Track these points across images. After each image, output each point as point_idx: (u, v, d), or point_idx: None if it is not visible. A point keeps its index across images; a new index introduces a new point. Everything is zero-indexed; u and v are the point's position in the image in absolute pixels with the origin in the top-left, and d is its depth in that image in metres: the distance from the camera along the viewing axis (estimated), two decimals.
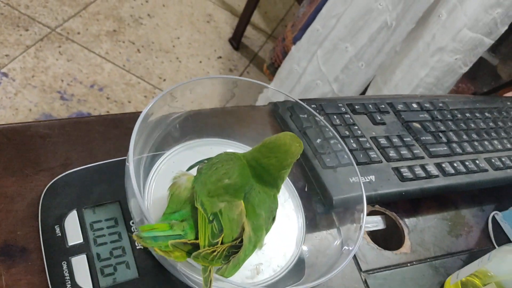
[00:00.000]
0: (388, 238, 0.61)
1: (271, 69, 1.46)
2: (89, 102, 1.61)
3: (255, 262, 0.45)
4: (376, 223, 0.63)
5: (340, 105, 0.67)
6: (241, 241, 0.37)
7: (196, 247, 0.36)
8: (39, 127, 0.51)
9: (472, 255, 0.62)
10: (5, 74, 1.53)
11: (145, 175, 0.46)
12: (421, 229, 0.62)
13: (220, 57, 1.98)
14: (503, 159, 0.70)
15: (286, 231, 0.49)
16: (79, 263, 0.42)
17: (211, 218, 0.37)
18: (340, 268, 0.42)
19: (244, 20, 1.97)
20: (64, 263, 0.41)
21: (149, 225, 0.36)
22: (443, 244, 0.62)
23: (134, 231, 0.44)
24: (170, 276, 0.43)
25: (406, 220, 0.62)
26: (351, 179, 0.57)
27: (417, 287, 0.57)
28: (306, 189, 0.54)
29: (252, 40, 2.13)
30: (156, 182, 0.46)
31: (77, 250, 0.42)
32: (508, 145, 0.73)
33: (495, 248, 0.64)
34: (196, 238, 0.37)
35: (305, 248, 0.49)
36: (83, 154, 0.50)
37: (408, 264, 0.58)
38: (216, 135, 0.53)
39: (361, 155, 0.60)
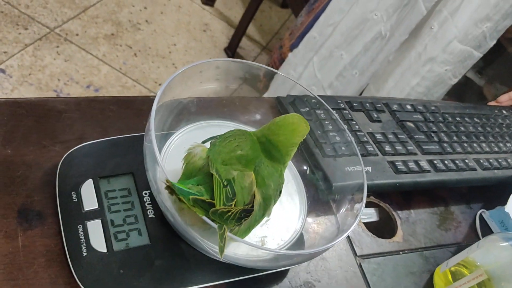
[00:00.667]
0: (381, 228, 0.64)
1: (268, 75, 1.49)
2: None
3: (261, 235, 0.47)
4: (370, 215, 0.66)
5: (339, 101, 0.70)
6: (252, 206, 0.40)
7: (212, 206, 0.38)
8: (56, 102, 0.53)
9: (460, 248, 0.65)
10: (3, 70, 1.55)
11: (158, 150, 0.48)
12: (413, 221, 0.65)
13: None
14: (490, 161, 0.73)
15: (289, 208, 0.51)
16: (94, 227, 0.44)
17: (225, 183, 0.39)
18: (337, 241, 0.44)
19: (240, 31, 2.02)
20: (80, 226, 0.43)
21: (169, 180, 0.38)
22: (433, 236, 0.65)
23: (146, 201, 0.47)
24: (180, 243, 0.45)
25: (398, 212, 0.65)
26: (349, 168, 0.60)
27: (408, 273, 0.59)
28: (308, 172, 0.57)
29: (247, 51, 2.17)
30: (169, 157, 0.49)
31: (92, 215, 0.44)
32: (496, 149, 0.77)
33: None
34: (212, 199, 0.39)
35: (305, 225, 0.51)
36: (97, 130, 0.53)
37: (400, 252, 0.61)
38: (224, 118, 0.56)
39: (359, 148, 0.63)
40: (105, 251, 0.43)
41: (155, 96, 0.59)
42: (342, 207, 0.53)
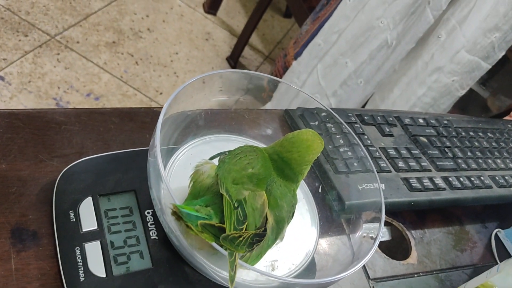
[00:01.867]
0: (394, 248, 0.61)
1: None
2: None
3: (271, 258, 0.44)
4: (383, 234, 0.63)
5: (350, 114, 0.67)
6: (265, 230, 0.37)
7: (222, 231, 0.35)
8: (55, 114, 0.50)
9: (476, 270, 0.62)
10: (2, 78, 1.52)
11: (163, 166, 0.45)
12: (427, 242, 0.62)
13: None
14: (506, 177, 0.70)
15: (300, 229, 0.48)
16: (93, 250, 0.41)
17: (236, 205, 0.36)
18: (353, 269, 0.41)
19: (242, 40, 2.00)
20: (77, 249, 0.40)
21: (179, 205, 0.35)
22: (448, 258, 0.62)
23: (149, 221, 0.44)
24: (184, 267, 0.42)
25: (412, 231, 0.62)
26: (363, 186, 0.57)
27: None
28: (320, 190, 0.54)
29: (249, 60, 2.15)
30: (174, 173, 0.46)
31: (91, 236, 0.41)
32: (511, 165, 0.74)
33: (497, 263, 0.65)
34: (221, 223, 0.36)
35: (317, 248, 0.48)
36: (98, 144, 0.50)
37: (415, 275, 0.58)
38: (231, 132, 0.53)
39: (369, 164, 0.61)
40: (104, 276, 0.40)
41: (158, 108, 0.57)
42: (356, 228, 0.50)
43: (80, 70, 1.68)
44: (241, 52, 2.04)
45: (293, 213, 0.42)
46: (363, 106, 1.23)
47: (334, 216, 0.52)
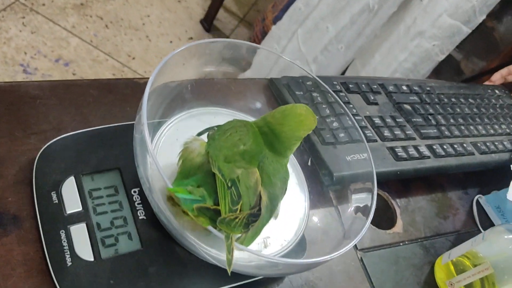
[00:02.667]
0: (380, 217, 0.61)
1: None
2: (54, 77, 1.54)
3: (263, 236, 0.43)
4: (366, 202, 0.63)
5: (335, 83, 0.66)
6: (259, 209, 0.36)
7: (217, 213, 0.34)
8: (29, 87, 0.47)
9: (459, 237, 0.63)
10: None
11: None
12: (412, 210, 0.62)
13: (191, 38, 1.94)
14: (487, 144, 0.71)
15: (291, 205, 0.47)
16: (79, 232, 0.39)
17: (229, 184, 0.35)
18: (346, 248, 0.40)
19: (216, 2, 1.94)
20: (62, 232, 0.38)
21: (173, 189, 0.34)
22: (432, 225, 0.63)
23: (136, 201, 0.42)
24: (175, 247, 0.41)
25: (397, 200, 0.62)
26: (349, 157, 0.56)
27: (409, 266, 0.57)
28: (309, 163, 0.53)
29: (223, 23, 2.09)
30: (161, 150, 0.44)
31: (76, 218, 0.39)
32: (491, 131, 0.75)
33: (479, 230, 0.66)
34: (215, 203, 0.35)
35: (308, 222, 0.48)
36: (76, 118, 0.47)
37: (401, 244, 0.58)
38: (216, 104, 0.51)
39: (356, 133, 0.60)
40: (92, 259, 0.38)
41: (139, 78, 0.54)
42: (345, 200, 0.50)
43: (47, 34, 1.61)
44: (215, 15, 1.98)
45: (286, 189, 0.41)
46: (344, 72, 1.21)
47: (324, 189, 0.52)
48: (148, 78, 0.39)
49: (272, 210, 0.37)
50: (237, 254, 0.35)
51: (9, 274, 0.37)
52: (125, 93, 0.52)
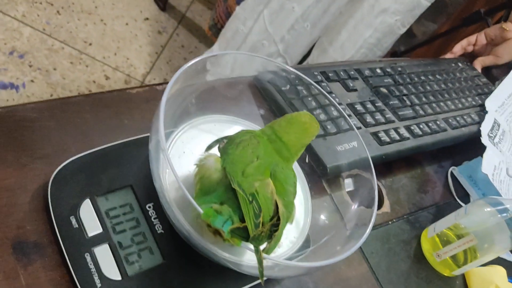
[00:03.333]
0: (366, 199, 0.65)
1: (214, 30, 1.43)
2: (10, 71, 1.48)
3: None
4: (349, 185, 0.67)
5: (316, 73, 0.68)
6: (278, 218, 0.38)
7: (245, 229, 0.36)
8: (26, 110, 0.47)
9: (438, 208, 0.68)
10: None
11: (158, 158, 0.45)
12: (396, 189, 0.67)
13: (147, 19, 1.90)
14: (457, 119, 0.76)
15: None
16: (103, 253, 0.40)
17: (250, 199, 0.37)
18: (354, 249, 0.43)
19: None
20: (87, 255, 0.40)
21: (204, 215, 0.35)
22: (414, 201, 0.67)
23: (152, 216, 0.43)
24: (196, 257, 0.43)
25: (382, 181, 0.66)
26: (339, 147, 0.59)
27: (399, 242, 0.61)
28: (307, 161, 0.55)
29: (178, 0, 2.05)
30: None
31: (98, 240, 0.41)
32: (460, 105, 0.80)
33: (456, 200, 0.71)
34: (241, 219, 0.37)
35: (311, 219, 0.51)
36: (78, 138, 0.48)
37: (390, 222, 0.63)
38: (212, 111, 0.53)
39: (343, 123, 0.63)
40: (120, 278, 0.40)
41: (130, 88, 0.55)
42: (340, 189, 0.53)
43: None
44: None
45: (296, 192, 0.43)
46: (311, 50, 1.24)
47: (321, 182, 0.55)
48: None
49: (288, 217, 0.40)
50: (248, 256, 0.38)
51: None
52: (119, 106, 0.52)
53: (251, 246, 0.35)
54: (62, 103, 0.49)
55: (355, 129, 0.53)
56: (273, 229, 0.37)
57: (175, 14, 1.99)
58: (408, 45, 1.66)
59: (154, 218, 0.43)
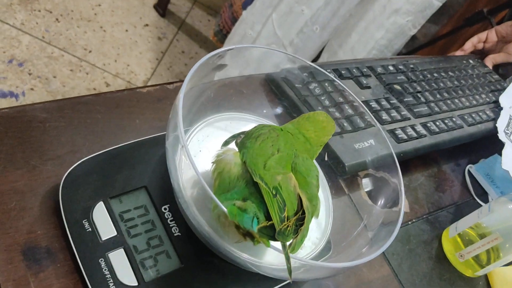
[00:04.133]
0: (384, 199, 0.63)
1: (219, 36, 1.41)
2: (10, 79, 1.46)
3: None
4: (366, 184, 0.64)
5: (329, 71, 0.66)
6: (303, 212, 0.36)
7: (271, 226, 0.34)
8: (35, 110, 0.45)
9: (457, 208, 0.66)
10: None
11: (174, 157, 0.43)
12: (414, 188, 0.65)
13: (147, 25, 1.88)
14: (473, 115, 0.74)
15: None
16: (118, 258, 0.38)
17: (274, 192, 0.35)
18: (374, 255, 0.41)
19: None
20: (101, 260, 0.37)
21: (231, 214, 0.33)
22: (433, 200, 0.65)
23: (168, 218, 0.41)
24: (214, 260, 0.41)
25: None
26: (356, 145, 0.57)
27: (420, 242, 0.59)
28: (326, 158, 0.53)
29: (177, 6, 2.04)
30: (186, 162, 0.43)
31: (112, 244, 0.39)
32: (474, 102, 0.78)
33: (474, 198, 0.69)
34: (266, 216, 0.35)
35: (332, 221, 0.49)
36: (89, 138, 0.45)
37: (409, 222, 0.61)
38: (226, 109, 0.51)
39: (358, 120, 0.61)
40: (136, 284, 0.38)
41: (141, 87, 0.53)
42: (358, 188, 0.51)
43: None
44: None
45: (319, 185, 0.41)
46: (320, 53, 1.22)
47: (340, 181, 0.53)
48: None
49: (313, 210, 0.38)
50: (269, 258, 0.36)
51: None
52: (130, 105, 0.50)
53: (279, 246, 0.33)
54: (72, 103, 0.47)
55: (378, 124, 0.52)
56: (298, 223, 0.35)
57: (174, 20, 1.98)
58: (410, 47, 1.65)
59: (171, 220, 0.41)
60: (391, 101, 0.67)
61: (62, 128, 0.45)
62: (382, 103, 0.66)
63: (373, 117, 0.63)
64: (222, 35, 1.39)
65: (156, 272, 0.39)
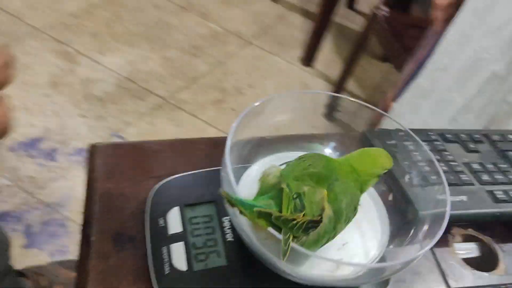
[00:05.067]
0: (481, 262, 0.59)
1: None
2: None
3: (336, 257, 0.46)
4: (470, 250, 0.61)
5: (431, 133, 0.68)
6: (321, 218, 0.39)
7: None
8: (152, 144, 0.59)
9: None
10: (121, 137, 1.72)
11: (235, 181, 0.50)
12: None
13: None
14: None
15: (369, 234, 0.50)
16: (177, 249, 0.47)
17: (294, 196, 0.40)
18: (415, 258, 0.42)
19: (340, 86, 2.05)
20: (164, 248, 0.47)
21: (228, 193, 0.40)
22: None
23: (226, 226, 0.49)
24: (256, 265, 0.46)
25: (501, 245, 0.59)
26: (438, 197, 0.57)
27: None
28: (390, 198, 0.55)
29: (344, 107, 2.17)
30: (243, 187, 0.50)
31: (176, 238, 0.48)
32: None
33: None
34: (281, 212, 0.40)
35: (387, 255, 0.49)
36: (186, 166, 0.57)
37: (502, 286, 0.55)
38: (303, 149, 0.57)
39: (452, 177, 0.60)
40: (186, 269, 0.45)
41: None
42: (425, 234, 0.51)
43: (189, 126, 1.84)
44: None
45: (356, 207, 0.44)
46: None
47: (407, 225, 0.53)
48: None
49: (336, 222, 0.41)
50: (307, 267, 0.39)
51: (122, 279, 0.45)
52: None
53: (279, 234, 0.38)
54: (183, 141, 0.60)
55: (444, 178, 0.51)
56: (311, 224, 0.38)
57: (341, 124, 2.10)
58: None
59: (228, 229, 0.49)
60: (500, 165, 0.64)
61: (169, 157, 0.58)
62: (488, 166, 0.64)
63: (471, 177, 0.61)
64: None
65: (204, 265, 0.46)
